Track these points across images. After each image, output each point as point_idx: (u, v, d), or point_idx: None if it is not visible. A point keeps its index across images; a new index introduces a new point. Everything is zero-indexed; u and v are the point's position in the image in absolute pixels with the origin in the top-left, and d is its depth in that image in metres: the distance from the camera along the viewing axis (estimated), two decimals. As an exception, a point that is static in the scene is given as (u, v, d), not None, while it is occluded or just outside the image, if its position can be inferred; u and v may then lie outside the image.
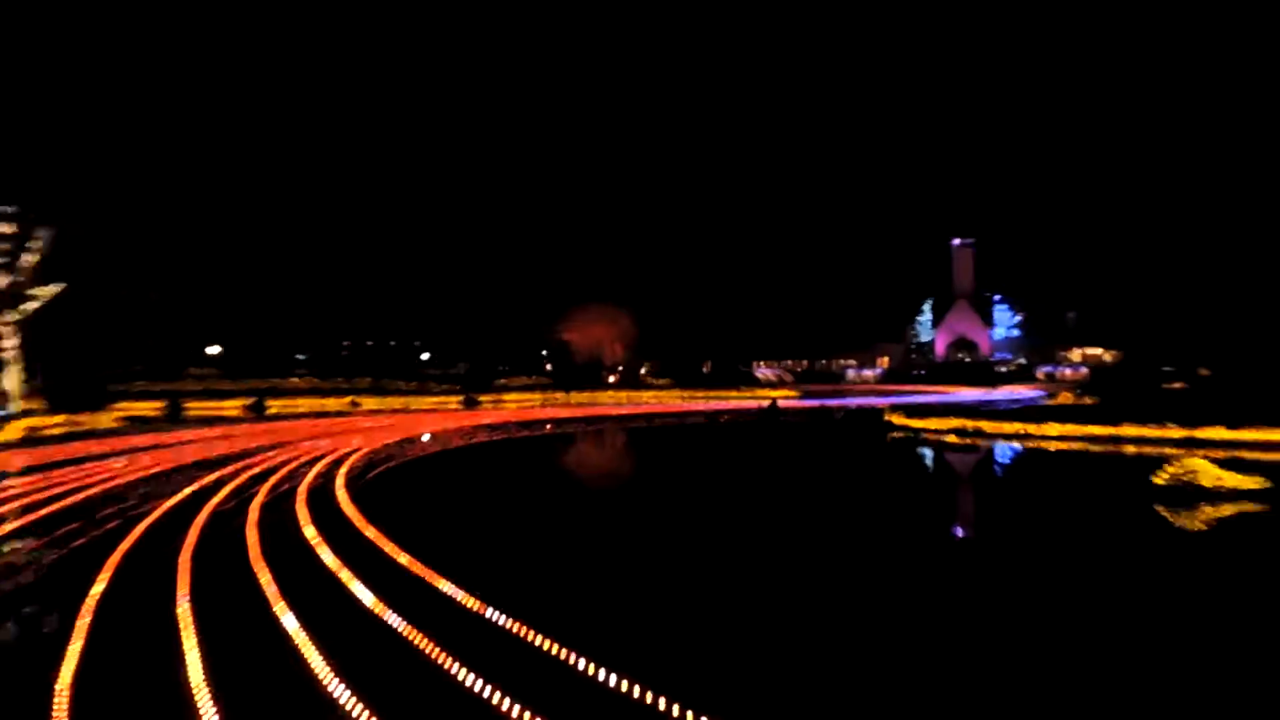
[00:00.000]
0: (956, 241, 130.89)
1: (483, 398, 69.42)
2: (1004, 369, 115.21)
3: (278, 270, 79.07)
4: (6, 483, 19.06)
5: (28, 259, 35.65)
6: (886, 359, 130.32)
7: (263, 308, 74.75)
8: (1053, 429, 28.74)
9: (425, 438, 32.43)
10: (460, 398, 68.46)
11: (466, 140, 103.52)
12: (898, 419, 35.96)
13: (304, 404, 60.75)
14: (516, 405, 69.08)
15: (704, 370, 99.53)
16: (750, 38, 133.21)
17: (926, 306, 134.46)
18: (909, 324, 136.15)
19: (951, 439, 30.07)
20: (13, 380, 37.30)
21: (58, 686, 6.30)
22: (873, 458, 26.45)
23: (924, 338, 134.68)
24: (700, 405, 62.57)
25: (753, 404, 58.68)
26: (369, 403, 63.36)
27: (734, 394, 76.92)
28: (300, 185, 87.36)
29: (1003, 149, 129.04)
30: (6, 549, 11.76)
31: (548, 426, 40.73)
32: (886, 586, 9.85)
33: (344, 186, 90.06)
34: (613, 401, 72.81)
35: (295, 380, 66.45)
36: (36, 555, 11.40)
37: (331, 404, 61.89)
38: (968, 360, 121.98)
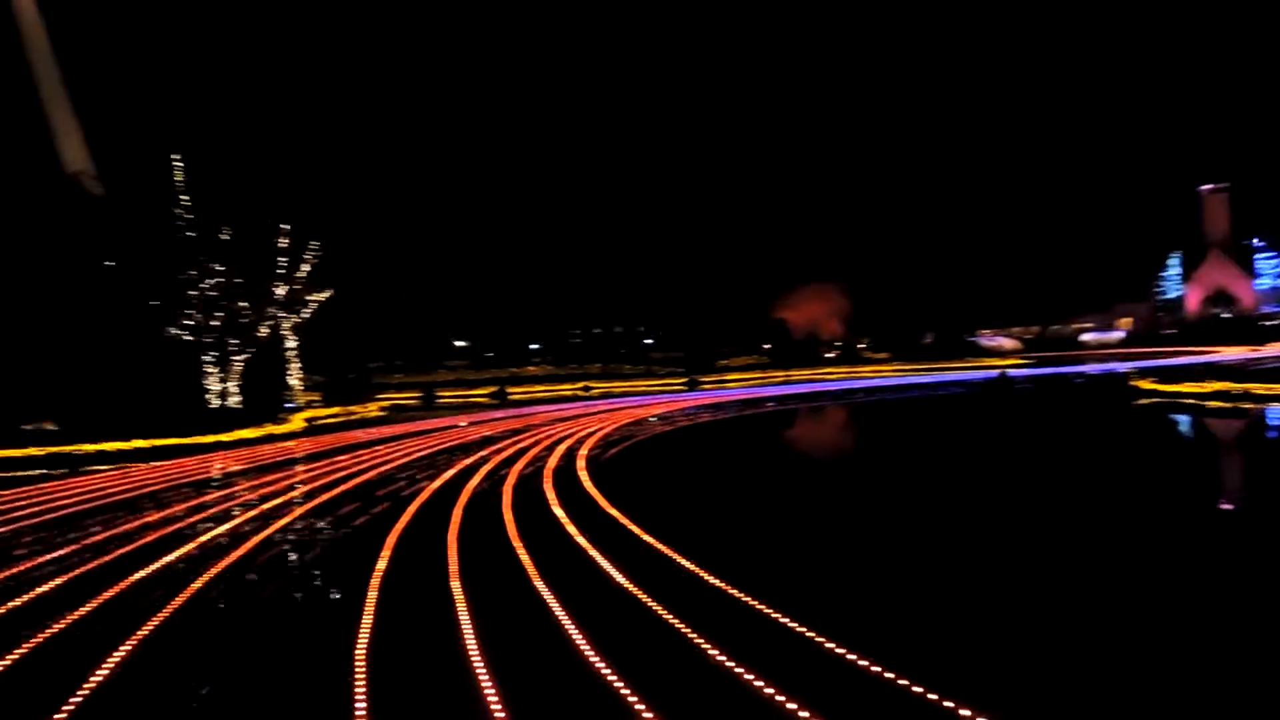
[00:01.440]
0: (1207, 187, 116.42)
1: (704, 378, 70.42)
2: (1273, 324, 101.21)
3: (512, 267, 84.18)
4: (296, 468, 21.68)
5: (303, 268, 40.24)
6: (1129, 320, 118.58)
7: (503, 303, 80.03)
8: (1349, 391, 25.00)
9: (653, 419, 33.33)
10: (683, 379, 69.87)
11: (681, 133, 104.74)
12: (1146, 384, 32.76)
13: (541, 390, 64.45)
14: (737, 384, 69.56)
15: (925, 342, 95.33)
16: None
17: (1173, 260, 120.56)
18: (1153, 280, 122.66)
19: (1212, 404, 26.88)
20: (295, 376, 42.30)
21: (357, 653, 7.09)
22: (1117, 428, 24.21)
23: (1171, 294, 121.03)
24: (922, 378, 59.97)
25: (979, 375, 55.49)
26: (600, 387, 66.18)
27: (958, 365, 73.03)
28: (531, 188, 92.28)
29: (1251, 81, 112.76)
30: (300, 527, 13.36)
31: (768, 404, 40.62)
32: (1135, 572, 8.98)
33: (569, 184, 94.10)
34: (831, 377, 71.49)
35: (532, 369, 70.56)
36: (326, 534, 12.87)
37: (566, 389, 65.22)
38: (1227, 316, 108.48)
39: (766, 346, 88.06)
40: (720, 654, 6.60)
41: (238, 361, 37.10)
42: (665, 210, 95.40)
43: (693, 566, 9.39)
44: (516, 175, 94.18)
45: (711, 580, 8.81)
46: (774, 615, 7.53)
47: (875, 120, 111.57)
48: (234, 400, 37.46)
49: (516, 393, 62.35)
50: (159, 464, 22.91)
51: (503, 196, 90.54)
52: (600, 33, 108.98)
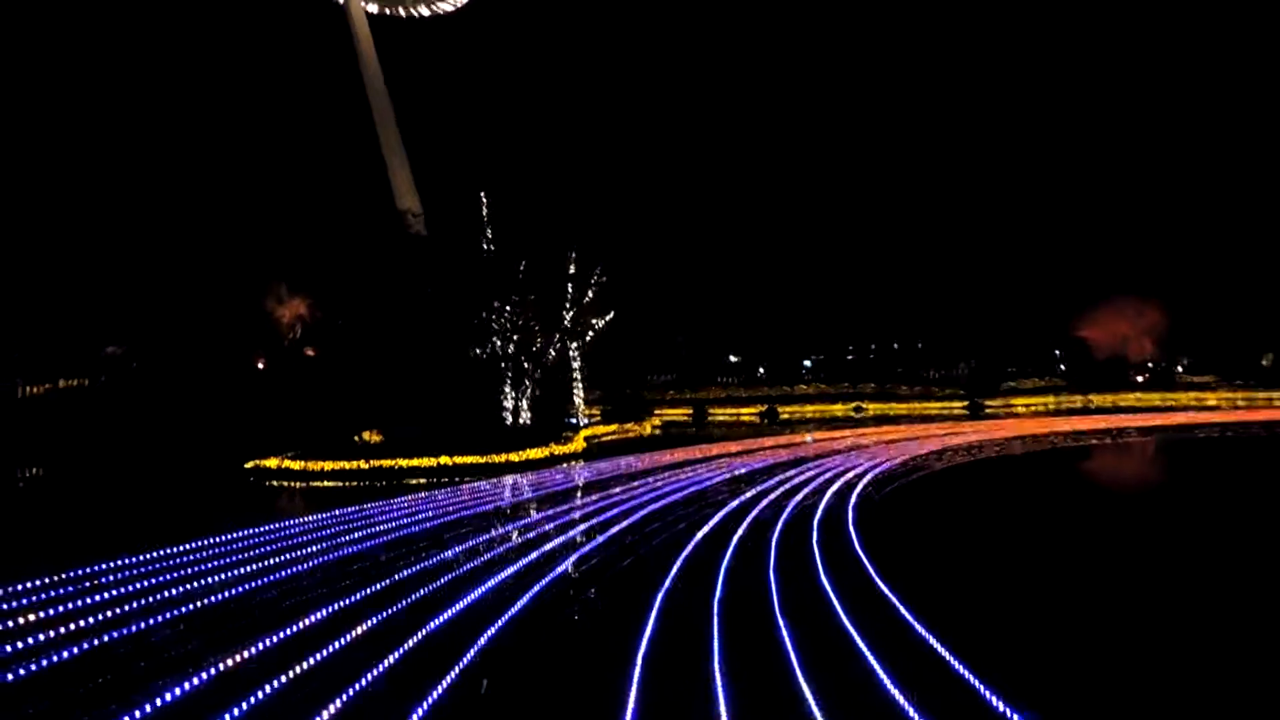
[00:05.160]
0: None
1: (989, 402, 65.94)
2: None
3: (788, 278, 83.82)
4: (575, 500, 23.11)
5: (589, 294, 42.85)
6: None
7: (777, 315, 79.92)
8: None
9: (928, 448, 31.71)
10: (964, 402, 65.88)
11: (970, 133, 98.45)
12: None
13: (811, 410, 63.73)
14: (1026, 410, 64.56)
15: (1263, 363, 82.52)
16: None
17: None
18: None
19: None
20: (578, 394, 45.14)
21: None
22: None
23: None
24: (1260, 415, 51.84)
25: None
26: (873, 408, 64.23)
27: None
28: (810, 194, 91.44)
29: None
30: (569, 588, 14.14)
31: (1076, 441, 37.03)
32: None
33: (849, 191, 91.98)
34: (1140, 403, 64.40)
35: (804, 387, 70.04)
36: (593, 597, 13.53)
37: (838, 409, 64.09)
38: None
39: (1062, 367, 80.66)
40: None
41: (530, 382, 40.23)
42: (951, 216, 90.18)
43: (973, 680, 8.78)
44: (794, 182, 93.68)
45: (997, 705, 8.18)
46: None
47: (1195, 115, 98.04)
48: (525, 416, 40.63)
49: (787, 412, 62.13)
50: (459, 487, 25.33)
51: (781, 203, 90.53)
52: (878, 53, 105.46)
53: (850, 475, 25.77)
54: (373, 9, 78.87)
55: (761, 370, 75.37)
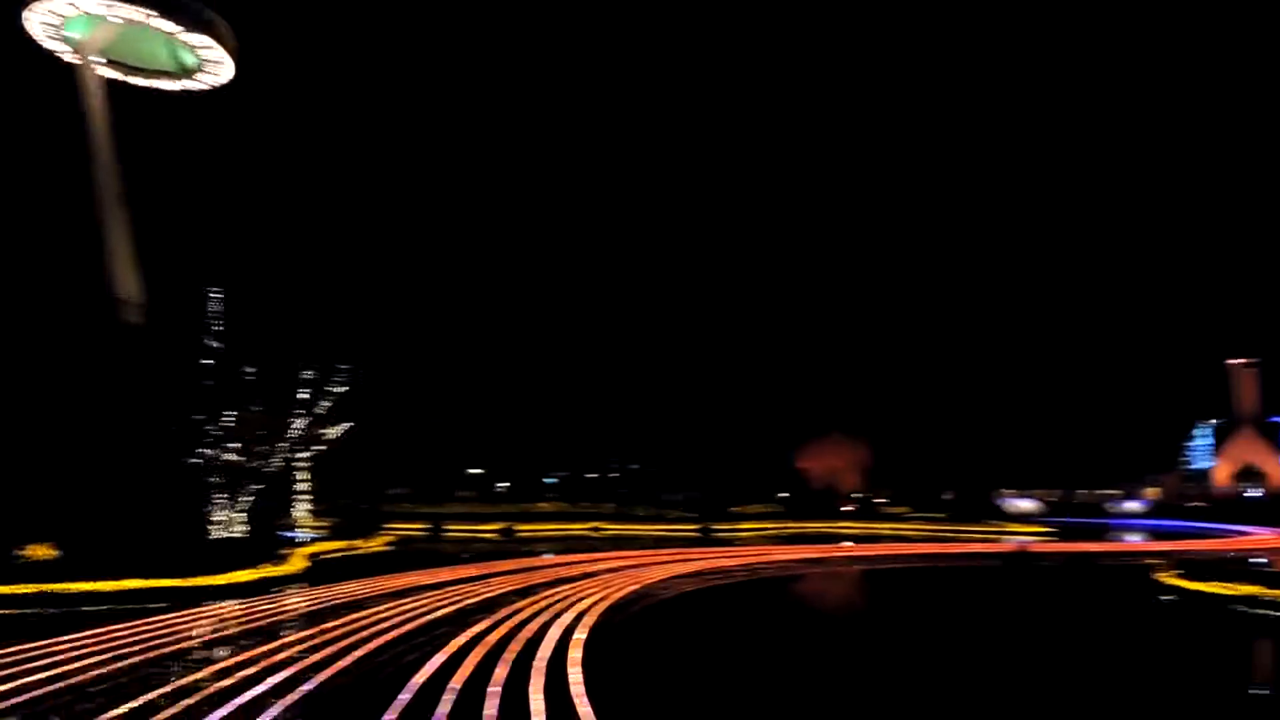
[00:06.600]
0: (1236, 361, 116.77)
1: (717, 526, 69.19)
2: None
3: (534, 394, 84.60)
4: (276, 640, 21.08)
5: (324, 404, 40.47)
6: (1158, 490, 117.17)
7: (520, 432, 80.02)
8: None
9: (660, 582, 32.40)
10: (695, 525, 68.62)
11: (702, 273, 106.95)
12: (1169, 578, 31.92)
13: (550, 528, 63.63)
14: (750, 533, 68.35)
15: (945, 498, 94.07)
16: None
17: (1201, 431, 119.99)
18: (1180, 450, 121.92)
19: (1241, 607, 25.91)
20: (303, 509, 42.01)
21: None
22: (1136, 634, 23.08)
23: (1197, 465, 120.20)
24: (950, 548, 58.41)
25: (997, 546, 53.91)
26: (610, 529, 65.19)
27: (977, 529, 71.52)
28: (557, 318, 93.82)
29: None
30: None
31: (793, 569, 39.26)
32: None
33: (597, 319, 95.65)
34: (846, 531, 70.49)
35: (544, 505, 70.07)
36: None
37: (576, 528, 64.46)
38: (1255, 495, 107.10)
39: (783, 495, 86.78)
40: None
41: (247, 493, 36.87)
42: (693, 353, 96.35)
43: None
44: (542, 304, 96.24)
45: None
46: None
47: (910, 281, 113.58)
48: (240, 529, 37.02)
49: (525, 530, 61.57)
50: (140, 621, 22.26)
51: (528, 324, 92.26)
52: (638, 166, 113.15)
53: (584, 604, 25.64)
54: (111, 74, 72.80)
55: (503, 486, 74.64)
